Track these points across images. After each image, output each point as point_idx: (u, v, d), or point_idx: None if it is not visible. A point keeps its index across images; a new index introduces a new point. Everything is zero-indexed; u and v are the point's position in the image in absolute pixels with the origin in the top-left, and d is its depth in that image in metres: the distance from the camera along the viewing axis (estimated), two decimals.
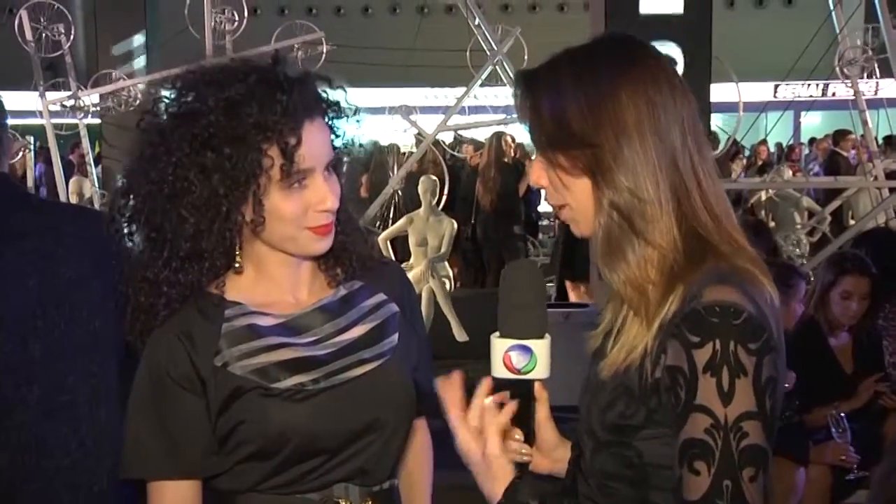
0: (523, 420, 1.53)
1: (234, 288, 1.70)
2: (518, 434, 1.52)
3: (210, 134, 1.59)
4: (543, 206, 10.56)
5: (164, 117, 1.65)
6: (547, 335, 1.52)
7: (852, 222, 9.41)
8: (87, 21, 13.49)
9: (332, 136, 1.70)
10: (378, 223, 8.66)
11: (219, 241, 1.64)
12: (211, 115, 1.60)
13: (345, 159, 1.75)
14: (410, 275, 7.90)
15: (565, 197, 1.49)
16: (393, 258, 8.18)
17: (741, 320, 1.32)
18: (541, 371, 1.51)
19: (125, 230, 1.69)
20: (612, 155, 1.42)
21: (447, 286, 8.10)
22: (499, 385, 1.53)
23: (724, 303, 1.33)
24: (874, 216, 7.72)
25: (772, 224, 9.47)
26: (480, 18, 8.79)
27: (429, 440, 1.93)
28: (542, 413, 1.59)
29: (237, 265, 1.69)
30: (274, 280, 1.72)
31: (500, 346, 1.51)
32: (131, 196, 1.67)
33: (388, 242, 8.28)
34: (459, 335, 7.85)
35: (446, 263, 8.24)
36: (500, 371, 1.51)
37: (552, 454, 1.62)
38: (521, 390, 1.52)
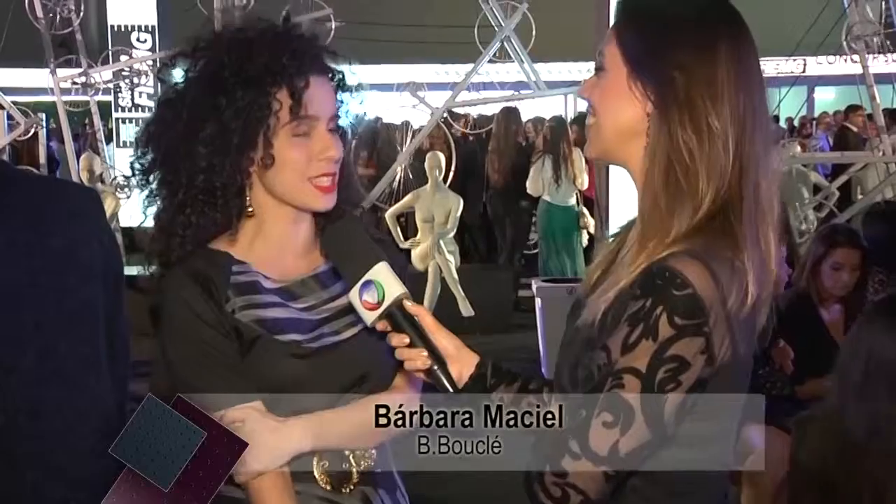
0: (421, 341, 1.60)
1: (237, 248, 1.80)
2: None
3: (222, 77, 1.71)
4: None
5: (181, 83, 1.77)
6: (379, 262, 1.60)
7: (860, 197, 9.37)
8: None
9: (337, 103, 1.81)
10: (386, 199, 8.70)
11: (230, 178, 1.74)
12: (223, 58, 1.72)
13: (349, 135, 1.85)
14: (417, 250, 7.98)
15: (600, 115, 1.52)
16: (401, 234, 8.24)
17: (682, 293, 1.34)
18: (394, 289, 1.59)
19: (142, 179, 1.81)
20: (702, 83, 1.42)
21: (453, 262, 8.14)
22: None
23: (675, 271, 1.35)
24: (881, 190, 7.70)
25: None
26: None
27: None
28: (427, 322, 1.62)
29: (249, 209, 1.79)
30: (273, 240, 1.82)
31: (352, 298, 1.61)
32: (149, 146, 1.79)
33: (395, 218, 8.33)
34: (465, 310, 7.90)
35: (452, 239, 8.27)
36: (369, 316, 1.60)
37: (460, 358, 1.63)
38: (396, 320, 1.60)
